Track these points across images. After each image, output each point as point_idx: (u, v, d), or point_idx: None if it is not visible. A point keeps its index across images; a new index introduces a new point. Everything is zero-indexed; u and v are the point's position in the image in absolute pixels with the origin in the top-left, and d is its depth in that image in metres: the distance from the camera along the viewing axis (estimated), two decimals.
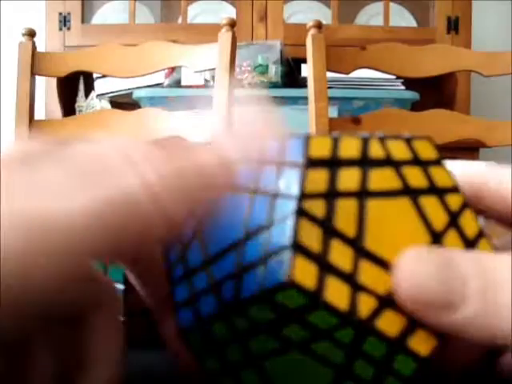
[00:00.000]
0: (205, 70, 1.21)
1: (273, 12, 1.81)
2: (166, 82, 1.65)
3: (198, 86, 1.61)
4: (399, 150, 0.18)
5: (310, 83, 1.10)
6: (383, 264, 0.16)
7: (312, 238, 0.15)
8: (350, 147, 0.17)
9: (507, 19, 2.03)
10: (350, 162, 0.17)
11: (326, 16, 1.83)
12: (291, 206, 0.16)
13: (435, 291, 0.15)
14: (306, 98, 1.14)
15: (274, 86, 1.61)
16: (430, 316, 0.15)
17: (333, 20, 1.80)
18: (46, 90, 1.75)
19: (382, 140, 0.18)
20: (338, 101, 1.51)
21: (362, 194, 0.17)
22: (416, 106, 1.52)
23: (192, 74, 1.58)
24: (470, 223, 0.18)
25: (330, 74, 1.11)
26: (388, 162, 0.17)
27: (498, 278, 0.15)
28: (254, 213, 0.17)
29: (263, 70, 1.61)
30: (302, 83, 1.61)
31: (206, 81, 1.63)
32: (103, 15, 1.93)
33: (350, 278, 0.16)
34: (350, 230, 0.16)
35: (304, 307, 0.15)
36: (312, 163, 0.16)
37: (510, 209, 0.20)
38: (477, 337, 0.15)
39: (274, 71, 1.61)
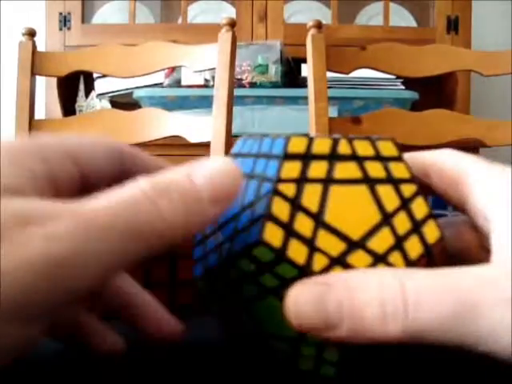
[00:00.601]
0: (205, 70, 1.21)
1: (273, 12, 1.81)
2: (166, 81, 1.65)
3: (198, 86, 1.61)
4: (364, 148, 0.22)
5: (310, 83, 1.10)
6: (338, 234, 0.21)
7: (282, 211, 0.21)
8: (322, 145, 0.22)
9: (507, 19, 2.03)
10: (320, 157, 0.22)
11: (325, 16, 1.83)
12: (269, 187, 0.21)
13: (314, 317, 0.19)
14: (305, 98, 1.14)
15: (273, 86, 1.61)
16: (319, 334, 0.20)
17: (333, 20, 1.80)
18: (46, 90, 1.75)
19: (350, 140, 0.22)
20: (338, 101, 1.51)
21: (328, 181, 0.22)
22: (416, 106, 1.52)
23: (192, 74, 1.58)
24: (420, 207, 0.23)
25: (329, 74, 1.11)
26: (353, 157, 0.22)
27: (364, 300, 0.19)
28: (248, 192, 0.22)
29: (263, 69, 1.61)
30: (301, 83, 1.61)
31: (205, 81, 1.63)
32: (103, 15, 1.93)
33: (309, 242, 0.21)
34: (313, 207, 0.21)
35: (273, 261, 0.21)
36: (288, 156, 0.22)
37: (451, 186, 0.25)
38: (357, 342, 0.19)
39: (274, 71, 1.61)
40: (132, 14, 1.80)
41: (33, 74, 1.21)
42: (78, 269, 0.17)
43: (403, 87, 1.60)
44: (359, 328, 0.19)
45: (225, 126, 1.07)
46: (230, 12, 1.83)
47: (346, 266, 0.21)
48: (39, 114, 1.34)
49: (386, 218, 0.22)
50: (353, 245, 0.21)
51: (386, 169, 0.23)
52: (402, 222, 0.22)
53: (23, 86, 1.20)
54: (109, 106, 1.73)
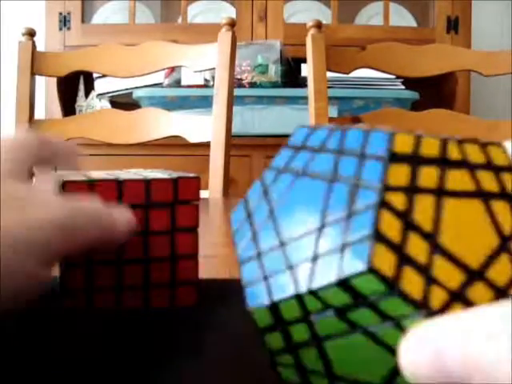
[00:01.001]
0: (205, 70, 1.21)
1: (273, 12, 1.81)
2: (166, 81, 1.65)
3: (197, 86, 1.61)
4: (475, 154, 0.18)
5: (310, 83, 1.10)
6: (455, 261, 0.17)
7: (392, 228, 0.16)
8: (430, 146, 0.18)
9: (507, 19, 2.03)
10: (429, 161, 0.17)
11: (326, 16, 1.83)
12: (373, 196, 0.16)
13: (433, 378, 0.15)
14: (305, 98, 1.14)
15: (273, 85, 1.61)
16: None
17: (333, 20, 1.80)
18: (46, 90, 1.75)
19: (460, 142, 0.18)
20: (338, 100, 1.51)
21: (440, 192, 0.17)
22: (416, 106, 1.52)
23: (192, 74, 1.58)
24: None
25: (329, 74, 1.11)
26: (464, 163, 0.18)
27: (493, 356, 0.15)
28: (333, 200, 0.18)
29: (263, 69, 1.61)
30: (301, 83, 1.62)
31: (205, 80, 1.63)
32: (103, 15, 1.93)
33: (424, 271, 0.16)
34: (427, 224, 0.17)
35: (379, 294, 0.16)
36: (395, 158, 0.17)
37: None
38: None
39: (274, 71, 1.61)
40: (132, 14, 1.80)
41: (33, 74, 1.21)
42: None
43: (403, 87, 1.60)
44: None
45: (225, 125, 1.07)
46: (230, 12, 1.83)
47: (467, 302, 0.16)
48: (39, 114, 1.34)
49: (504, 242, 0.18)
50: (472, 275, 0.17)
51: (499, 181, 0.18)
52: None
53: (23, 86, 1.20)
54: (109, 105, 1.73)
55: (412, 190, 0.17)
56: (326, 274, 0.16)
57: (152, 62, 1.16)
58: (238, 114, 1.48)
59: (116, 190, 0.30)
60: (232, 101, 1.10)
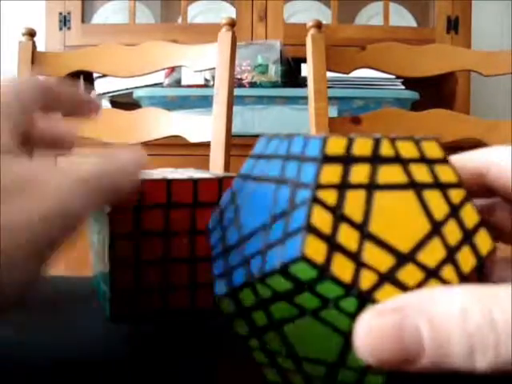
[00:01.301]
0: (205, 70, 1.21)
1: (273, 12, 1.81)
2: (166, 81, 1.65)
3: (197, 86, 1.61)
4: (408, 150, 0.20)
5: (310, 83, 1.10)
6: (386, 246, 0.19)
7: (323, 221, 0.18)
8: (362, 146, 0.20)
9: (507, 19, 2.03)
10: (361, 159, 0.19)
11: (326, 16, 1.83)
12: (307, 194, 0.19)
13: (390, 351, 0.17)
14: (305, 98, 1.14)
15: (273, 85, 1.61)
16: (398, 368, 0.17)
17: (333, 20, 1.80)
18: None
19: (393, 140, 0.20)
20: (338, 100, 1.51)
21: (371, 187, 0.19)
22: (416, 106, 1.52)
23: (192, 74, 1.58)
24: (470, 215, 0.20)
25: (329, 74, 1.11)
26: (397, 159, 0.20)
27: (448, 330, 0.17)
28: (279, 200, 0.20)
29: (263, 69, 1.61)
30: (301, 83, 1.62)
31: (205, 80, 1.63)
32: (103, 15, 1.93)
33: (354, 257, 0.18)
34: (357, 216, 0.19)
35: (314, 279, 0.18)
36: (327, 159, 0.19)
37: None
38: (440, 371, 0.17)
39: (274, 71, 1.61)
40: (132, 14, 1.80)
41: (33, 74, 1.20)
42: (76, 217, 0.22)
43: (403, 87, 1.60)
44: (442, 361, 0.17)
45: (225, 125, 1.07)
46: (230, 12, 1.83)
47: (396, 283, 0.19)
48: None
49: (436, 228, 0.20)
50: (402, 258, 0.19)
51: (433, 172, 0.20)
52: (452, 232, 0.20)
53: None
54: (109, 105, 1.73)
55: (343, 186, 0.19)
56: (271, 263, 0.19)
57: (152, 62, 1.16)
58: (238, 114, 1.48)
59: (165, 190, 0.30)
60: (232, 101, 1.10)
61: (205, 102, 1.43)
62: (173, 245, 0.30)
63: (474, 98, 1.81)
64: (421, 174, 0.20)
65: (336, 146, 0.19)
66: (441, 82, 1.80)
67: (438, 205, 0.20)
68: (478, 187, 0.24)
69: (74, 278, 0.40)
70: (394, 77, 1.54)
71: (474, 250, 0.20)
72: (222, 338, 0.28)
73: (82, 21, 1.82)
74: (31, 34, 1.21)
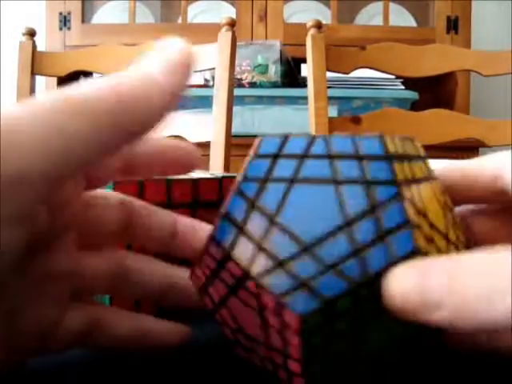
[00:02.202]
0: (205, 70, 1.21)
1: (273, 12, 1.81)
2: None
3: (197, 86, 1.61)
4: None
5: (310, 83, 1.10)
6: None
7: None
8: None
9: (507, 19, 2.03)
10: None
11: (325, 16, 1.83)
12: (393, 191, 0.19)
13: (415, 301, 0.18)
14: (305, 98, 1.14)
15: (273, 85, 1.61)
16: (416, 318, 0.18)
17: (333, 20, 1.80)
18: (46, 90, 1.75)
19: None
20: (338, 100, 1.51)
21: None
22: (415, 106, 1.52)
23: (192, 74, 1.58)
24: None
25: (329, 74, 1.11)
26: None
27: (468, 277, 0.18)
28: (349, 200, 0.20)
29: (263, 69, 1.61)
30: (301, 83, 1.62)
31: (205, 80, 1.63)
32: (103, 15, 1.93)
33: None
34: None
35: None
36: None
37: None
38: (463, 329, 0.18)
39: (274, 71, 1.61)
40: (132, 14, 1.80)
41: (33, 73, 1.21)
42: (58, 147, 0.17)
43: (403, 87, 1.61)
44: (462, 310, 0.18)
45: (225, 125, 1.07)
46: (230, 12, 1.83)
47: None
48: None
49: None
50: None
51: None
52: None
53: (23, 85, 1.20)
54: None
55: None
56: (377, 264, 0.19)
57: None
58: (238, 114, 1.48)
59: (165, 190, 0.30)
60: (232, 101, 1.10)
61: (205, 102, 1.43)
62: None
63: (473, 98, 1.81)
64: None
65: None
66: (441, 82, 1.80)
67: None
68: (493, 193, 0.25)
69: None
70: (393, 77, 1.54)
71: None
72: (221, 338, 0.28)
73: (82, 21, 1.82)
74: (31, 33, 1.21)
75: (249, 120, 1.55)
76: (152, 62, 0.21)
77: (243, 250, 0.20)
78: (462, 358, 0.25)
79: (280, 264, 0.20)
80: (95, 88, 0.19)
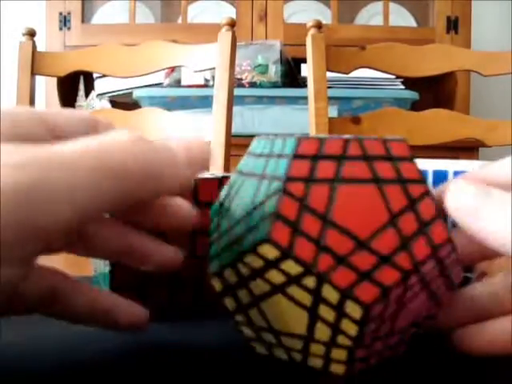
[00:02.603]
0: (205, 70, 1.21)
1: (273, 12, 1.81)
2: (166, 81, 1.66)
3: (197, 86, 1.61)
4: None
5: (310, 83, 1.10)
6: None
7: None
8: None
9: (507, 19, 2.03)
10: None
11: (325, 16, 1.83)
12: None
13: (469, 205, 0.21)
14: (305, 98, 1.14)
15: (273, 85, 1.61)
16: (466, 221, 0.22)
17: (333, 20, 1.80)
18: (46, 90, 1.75)
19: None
20: (338, 100, 1.51)
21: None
22: (415, 106, 1.52)
23: (192, 74, 1.58)
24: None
25: (329, 74, 1.11)
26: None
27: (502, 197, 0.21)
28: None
29: (263, 69, 1.61)
30: (301, 83, 1.62)
31: (205, 80, 1.63)
32: (103, 15, 1.93)
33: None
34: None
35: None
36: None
37: None
38: (491, 241, 0.21)
39: (274, 71, 1.61)
40: (132, 14, 1.80)
41: (33, 73, 1.21)
42: (47, 203, 0.17)
43: (403, 87, 1.61)
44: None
45: (225, 125, 1.07)
46: (230, 12, 1.83)
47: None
48: None
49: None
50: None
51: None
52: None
53: (23, 85, 1.20)
54: (109, 105, 1.73)
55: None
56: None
57: (152, 62, 1.16)
58: (238, 114, 1.48)
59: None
60: (232, 101, 1.10)
61: (205, 102, 1.43)
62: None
63: (473, 98, 1.81)
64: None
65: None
66: (441, 82, 1.80)
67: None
68: None
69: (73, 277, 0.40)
70: (393, 77, 1.54)
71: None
72: (221, 339, 0.28)
73: (82, 21, 1.82)
74: (31, 33, 1.21)
75: (249, 120, 1.55)
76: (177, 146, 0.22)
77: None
78: (461, 358, 0.25)
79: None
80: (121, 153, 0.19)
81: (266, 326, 0.24)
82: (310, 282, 0.21)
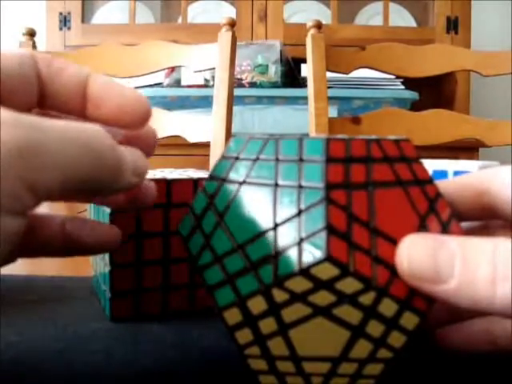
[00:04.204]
0: (205, 70, 1.21)
1: (273, 12, 1.81)
2: (166, 81, 1.66)
3: (197, 86, 1.61)
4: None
5: (310, 83, 1.10)
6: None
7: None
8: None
9: (507, 19, 2.03)
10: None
11: (325, 16, 1.83)
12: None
13: (427, 269, 0.20)
14: (305, 98, 1.14)
15: (273, 85, 1.61)
16: (424, 287, 0.20)
17: (333, 20, 1.80)
18: None
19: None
20: (338, 101, 1.51)
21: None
22: (415, 106, 1.52)
23: (192, 74, 1.58)
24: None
25: (329, 74, 1.11)
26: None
27: (478, 259, 0.19)
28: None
29: (263, 69, 1.61)
30: (301, 83, 1.62)
31: (205, 80, 1.63)
32: (103, 15, 1.93)
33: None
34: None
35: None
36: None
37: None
38: (460, 304, 0.19)
39: (274, 71, 1.61)
40: (132, 14, 1.80)
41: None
42: (43, 164, 0.18)
43: (403, 87, 1.61)
44: (468, 286, 0.19)
45: (225, 125, 1.07)
46: (230, 12, 1.83)
47: None
48: None
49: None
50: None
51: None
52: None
53: None
54: None
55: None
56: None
57: (152, 62, 1.16)
58: (238, 114, 1.48)
59: (165, 190, 0.31)
60: (232, 101, 1.10)
61: (205, 102, 1.43)
62: (173, 245, 0.31)
63: (473, 98, 1.81)
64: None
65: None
66: (441, 82, 1.80)
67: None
68: (477, 209, 0.25)
69: (74, 278, 0.40)
70: (393, 77, 1.54)
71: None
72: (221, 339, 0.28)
73: (82, 21, 1.82)
74: (31, 33, 1.21)
75: (249, 120, 1.55)
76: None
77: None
78: (461, 357, 0.25)
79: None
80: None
81: (288, 354, 0.21)
82: (367, 298, 0.19)
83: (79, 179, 0.19)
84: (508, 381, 0.24)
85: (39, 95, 0.24)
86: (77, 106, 0.24)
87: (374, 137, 0.21)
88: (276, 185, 0.20)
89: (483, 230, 0.26)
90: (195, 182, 0.31)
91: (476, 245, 0.20)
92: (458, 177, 0.26)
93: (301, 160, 0.20)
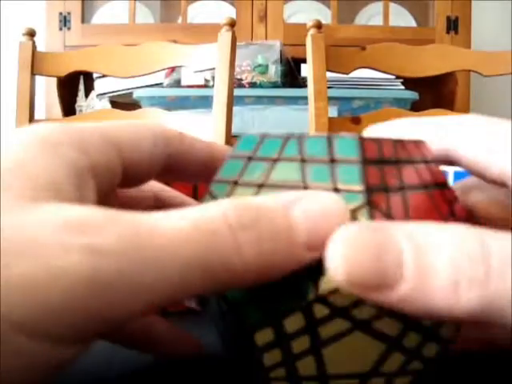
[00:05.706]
0: (205, 70, 1.21)
1: (273, 12, 1.81)
2: (166, 81, 1.66)
3: (197, 86, 1.61)
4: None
5: (310, 83, 1.10)
6: None
7: None
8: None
9: (507, 19, 2.03)
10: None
11: (325, 16, 1.83)
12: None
13: (368, 272, 0.15)
14: (305, 98, 1.14)
15: (273, 85, 1.61)
16: (369, 296, 0.15)
17: (333, 20, 1.80)
18: (46, 90, 1.75)
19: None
20: (338, 101, 1.51)
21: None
22: (416, 106, 1.52)
23: (192, 74, 1.58)
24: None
25: (329, 74, 1.11)
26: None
27: (434, 255, 0.15)
28: None
29: (263, 69, 1.61)
30: (301, 83, 1.62)
31: (205, 81, 1.63)
32: (103, 15, 1.93)
33: None
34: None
35: None
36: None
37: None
38: (415, 313, 0.15)
39: (274, 71, 1.61)
40: (132, 14, 1.80)
41: (33, 73, 1.21)
42: (122, 296, 0.14)
43: (403, 87, 1.61)
44: (421, 294, 0.15)
45: (225, 126, 1.07)
46: (230, 12, 1.83)
47: None
48: (39, 114, 1.34)
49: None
50: None
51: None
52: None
53: (23, 86, 1.20)
54: (109, 105, 1.73)
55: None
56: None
57: (152, 62, 1.16)
58: (238, 114, 1.48)
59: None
60: (232, 101, 1.10)
61: (205, 102, 1.43)
62: None
63: (473, 98, 1.81)
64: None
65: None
66: (441, 82, 1.80)
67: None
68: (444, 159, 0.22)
69: None
70: (393, 77, 1.54)
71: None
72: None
73: (82, 21, 1.82)
74: (31, 33, 1.21)
75: (249, 120, 1.55)
76: None
77: None
78: (460, 357, 0.25)
79: None
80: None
81: (316, 373, 0.19)
82: None
83: (177, 297, 0.15)
84: (508, 381, 0.24)
85: (163, 171, 0.21)
86: (204, 175, 0.22)
87: (393, 138, 0.20)
88: (305, 188, 0.18)
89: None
90: (195, 185, 0.31)
91: (430, 235, 0.15)
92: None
93: (332, 161, 0.18)
